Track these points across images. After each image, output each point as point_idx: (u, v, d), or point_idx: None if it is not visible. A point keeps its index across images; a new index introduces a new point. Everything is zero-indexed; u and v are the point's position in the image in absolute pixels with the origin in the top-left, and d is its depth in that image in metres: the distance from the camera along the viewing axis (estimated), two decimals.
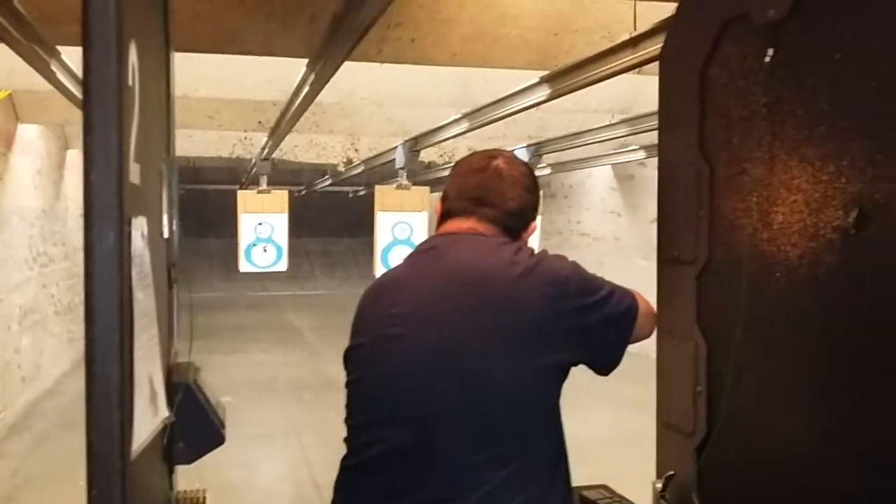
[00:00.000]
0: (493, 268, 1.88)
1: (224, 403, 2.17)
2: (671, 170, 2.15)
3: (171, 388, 1.80)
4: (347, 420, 1.99)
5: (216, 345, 13.03)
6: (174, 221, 2.01)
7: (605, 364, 1.96)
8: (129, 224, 1.20)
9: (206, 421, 1.97)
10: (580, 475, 2.30)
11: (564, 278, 1.88)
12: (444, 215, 2.07)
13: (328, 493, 2.01)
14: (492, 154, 2.09)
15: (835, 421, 1.60)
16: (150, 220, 1.45)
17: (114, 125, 1.11)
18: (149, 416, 1.34)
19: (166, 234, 1.86)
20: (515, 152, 8.76)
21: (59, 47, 4.40)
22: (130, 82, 1.23)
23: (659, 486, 2.14)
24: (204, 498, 2.13)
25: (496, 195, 2.02)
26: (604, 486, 2.45)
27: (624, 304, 1.94)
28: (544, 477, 1.85)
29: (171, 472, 1.96)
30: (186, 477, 2.18)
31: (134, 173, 1.26)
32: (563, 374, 1.90)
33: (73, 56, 4.61)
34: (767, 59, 1.73)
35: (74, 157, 12.43)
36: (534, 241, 2.11)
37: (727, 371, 1.90)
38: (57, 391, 10.22)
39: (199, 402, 1.95)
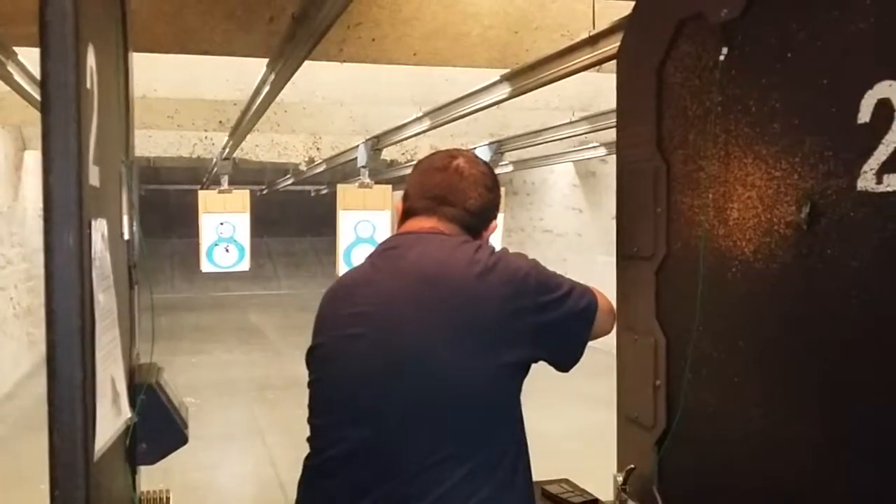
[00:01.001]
0: (453, 267, 1.89)
1: (187, 404, 2.17)
2: (629, 167, 2.18)
3: (134, 389, 1.80)
4: (310, 419, 1.99)
5: (179, 346, 12.95)
6: (134, 223, 2.00)
7: (564, 361, 1.97)
8: (90, 226, 1.20)
9: (169, 421, 1.97)
10: (543, 470, 2.33)
11: (523, 276, 1.89)
12: (406, 214, 2.08)
13: (293, 492, 2.02)
14: (452, 154, 2.10)
15: (791, 412, 1.63)
16: (110, 222, 1.45)
17: (72, 128, 1.11)
18: (111, 417, 1.33)
19: (126, 236, 1.85)
20: (477, 150, 8.83)
21: (16, 48, 4.35)
22: (88, 85, 1.23)
23: (620, 479, 2.17)
24: (167, 498, 2.12)
25: (457, 194, 2.03)
26: (565, 480, 2.48)
27: (583, 302, 1.95)
28: (504, 474, 1.86)
29: (134, 472, 1.96)
30: (150, 478, 2.17)
31: (93, 175, 1.26)
32: (523, 372, 1.91)
33: (30, 57, 4.56)
34: (722, 57, 1.76)
35: (32, 159, 12.28)
36: (496, 239, 2.13)
37: (686, 365, 1.93)
38: (17, 395, 10.10)
39: (162, 402, 1.95)
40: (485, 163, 2.15)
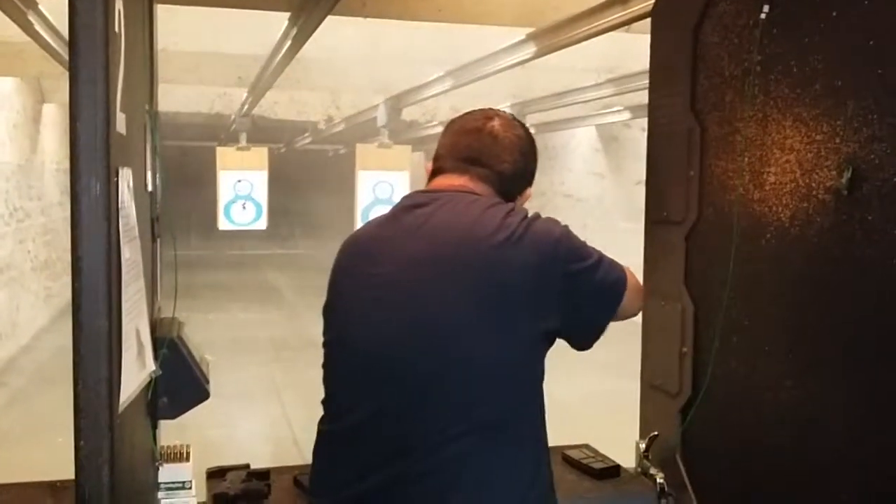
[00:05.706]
0: (480, 231, 1.79)
1: (207, 360, 2.16)
2: (662, 129, 2.14)
3: (156, 342, 1.78)
4: (325, 381, 1.92)
5: (195, 304, 12.91)
6: (157, 175, 1.97)
7: (585, 335, 1.88)
8: (116, 174, 1.17)
9: (191, 376, 1.96)
10: (562, 436, 2.31)
11: (554, 242, 1.80)
12: (435, 173, 2.00)
13: (308, 450, 1.97)
14: (488, 114, 2.00)
15: (822, 382, 1.61)
16: (135, 173, 1.42)
17: (101, 71, 1.07)
18: (136, 370, 1.32)
19: (150, 188, 1.82)
20: None
21: None
22: (116, 29, 1.20)
23: (642, 445, 2.15)
24: (188, 452, 2.11)
25: (490, 157, 1.94)
26: (586, 446, 2.47)
27: (613, 276, 1.86)
28: (525, 447, 1.79)
29: (154, 427, 1.95)
30: (166, 435, 2.16)
31: (120, 123, 1.23)
32: (547, 344, 1.81)
33: (50, 7, 4.52)
34: (763, 16, 1.71)
35: (51, 111, 12.29)
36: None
37: (714, 332, 1.90)
38: (34, 347, 10.19)
39: (184, 356, 1.93)
40: (522, 126, 2.04)
